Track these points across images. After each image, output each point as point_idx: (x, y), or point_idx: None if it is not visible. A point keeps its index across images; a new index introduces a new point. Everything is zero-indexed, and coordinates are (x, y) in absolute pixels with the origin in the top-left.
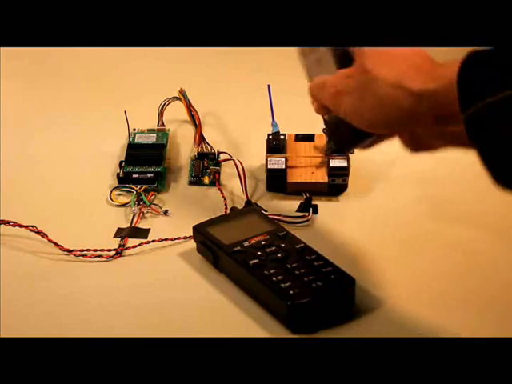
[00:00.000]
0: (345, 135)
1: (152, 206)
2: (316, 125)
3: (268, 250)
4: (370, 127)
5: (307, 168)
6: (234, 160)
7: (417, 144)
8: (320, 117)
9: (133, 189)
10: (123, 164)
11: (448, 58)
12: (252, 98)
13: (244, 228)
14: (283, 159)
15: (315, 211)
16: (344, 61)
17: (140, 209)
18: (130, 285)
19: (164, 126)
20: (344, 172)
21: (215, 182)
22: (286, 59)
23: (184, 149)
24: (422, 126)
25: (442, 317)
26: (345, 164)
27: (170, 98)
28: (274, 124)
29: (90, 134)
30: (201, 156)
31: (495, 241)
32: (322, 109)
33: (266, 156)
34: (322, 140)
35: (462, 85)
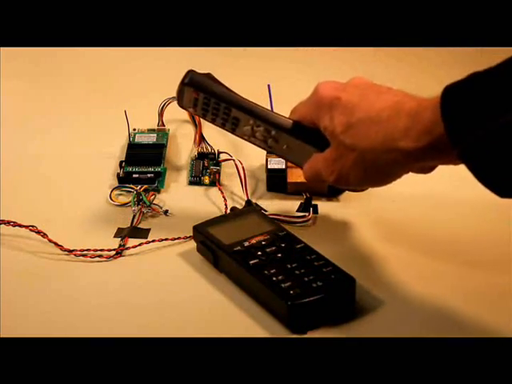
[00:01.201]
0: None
1: (152, 205)
2: None
3: (268, 249)
4: (377, 187)
5: None
6: (234, 160)
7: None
8: None
9: (133, 189)
10: (123, 164)
11: (449, 58)
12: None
13: (244, 228)
14: (283, 159)
15: (315, 211)
16: (318, 142)
17: (140, 209)
18: (130, 285)
19: (164, 126)
20: None
21: (215, 181)
22: (286, 59)
23: (184, 149)
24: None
25: (442, 316)
26: None
27: (169, 98)
28: None
29: (90, 134)
30: (201, 156)
31: (496, 239)
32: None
33: (266, 156)
34: None
35: (449, 125)
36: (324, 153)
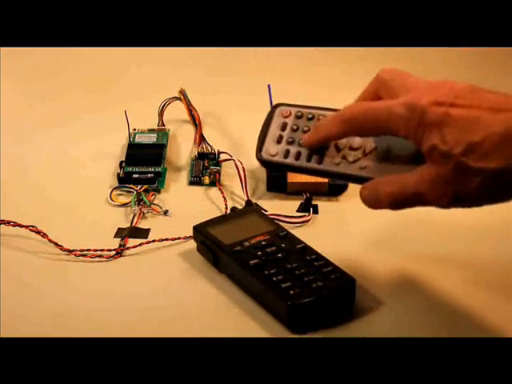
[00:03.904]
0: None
1: (152, 205)
2: None
3: (268, 249)
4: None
5: None
6: (234, 160)
7: None
8: None
9: (133, 189)
10: (123, 164)
11: (449, 58)
12: (252, 97)
13: (244, 228)
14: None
15: (315, 211)
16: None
17: (140, 209)
18: (130, 285)
19: (164, 125)
20: None
21: (215, 182)
22: (286, 59)
23: (184, 149)
24: None
25: (442, 317)
26: None
27: (170, 98)
28: None
29: (90, 134)
30: (201, 156)
31: (496, 244)
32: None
33: None
34: None
35: None
36: (428, 172)
